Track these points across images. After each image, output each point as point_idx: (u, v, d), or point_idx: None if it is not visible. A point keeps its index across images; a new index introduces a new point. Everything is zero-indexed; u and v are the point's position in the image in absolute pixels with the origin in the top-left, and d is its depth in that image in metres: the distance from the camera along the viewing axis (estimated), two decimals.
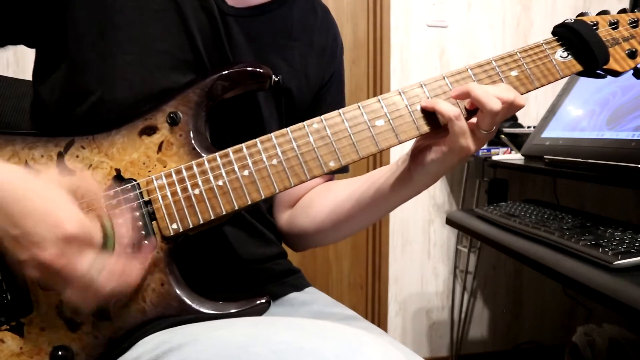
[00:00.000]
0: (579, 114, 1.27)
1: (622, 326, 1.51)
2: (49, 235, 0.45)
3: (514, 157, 1.59)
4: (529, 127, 1.73)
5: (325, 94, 0.76)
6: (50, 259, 0.45)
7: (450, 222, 1.41)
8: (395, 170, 0.65)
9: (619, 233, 0.92)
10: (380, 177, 0.67)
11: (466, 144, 0.56)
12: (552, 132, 1.32)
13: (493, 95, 0.55)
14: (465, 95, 0.57)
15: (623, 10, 0.65)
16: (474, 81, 0.59)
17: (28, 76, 0.72)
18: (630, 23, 0.64)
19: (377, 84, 1.98)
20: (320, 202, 0.74)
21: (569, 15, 0.65)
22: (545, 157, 1.24)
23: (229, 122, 0.66)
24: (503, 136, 1.67)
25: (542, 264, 0.92)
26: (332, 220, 0.72)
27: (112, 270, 0.48)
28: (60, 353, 0.53)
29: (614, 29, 0.63)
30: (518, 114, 1.92)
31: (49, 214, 0.45)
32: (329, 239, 0.76)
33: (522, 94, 0.59)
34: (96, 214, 0.51)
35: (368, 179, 0.69)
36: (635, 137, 1.00)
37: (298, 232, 0.76)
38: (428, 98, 0.58)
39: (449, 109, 0.56)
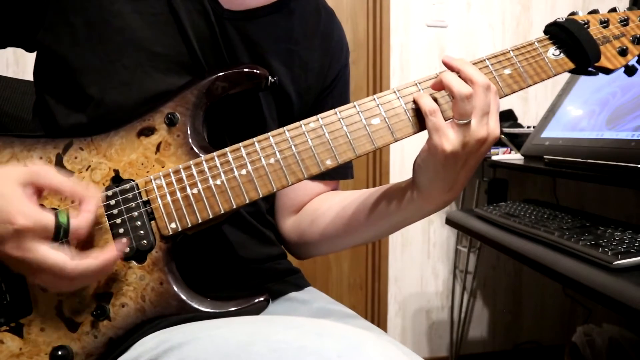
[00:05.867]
0: (579, 114, 1.27)
1: (622, 326, 1.51)
2: (4, 231, 0.47)
3: (514, 157, 1.60)
4: (528, 127, 1.74)
5: (328, 98, 0.75)
6: (10, 252, 0.47)
7: (450, 222, 1.41)
8: (406, 181, 0.63)
9: (618, 233, 0.92)
10: (391, 187, 0.66)
11: (439, 142, 0.54)
12: (552, 132, 1.32)
13: (463, 82, 0.55)
14: (439, 85, 0.57)
15: (613, 10, 0.67)
16: None
17: (28, 76, 0.72)
18: (620, 21, 0.65)
19: (377, 84, 1.98)
20: (325, 206, 0.73)
21: None
22: (544, 157, 1.24)
23: (230, 123, 0.66)
24: (503, 136, 1.67)
25: (542, 264, 0.92)
26: (337, 226, 0.70)
27: (67, 260, 0.48)
28: (59, 353, 0.53)
29: (604, 27, 0.64)
30: (518, 114, 1.92)
31: (1, 211, 0.47)
32: (333, 246, 0.74)
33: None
34: (51, 207, 0.52)
35: (379, 189, 0.67)
36: (635, 137, 1.00)
37: (301, 237, 0.75)
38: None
39: (427, 103, 0.56)
